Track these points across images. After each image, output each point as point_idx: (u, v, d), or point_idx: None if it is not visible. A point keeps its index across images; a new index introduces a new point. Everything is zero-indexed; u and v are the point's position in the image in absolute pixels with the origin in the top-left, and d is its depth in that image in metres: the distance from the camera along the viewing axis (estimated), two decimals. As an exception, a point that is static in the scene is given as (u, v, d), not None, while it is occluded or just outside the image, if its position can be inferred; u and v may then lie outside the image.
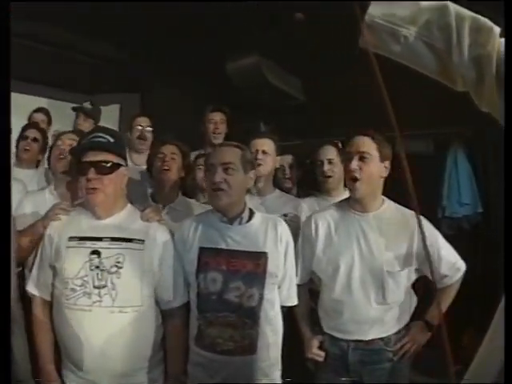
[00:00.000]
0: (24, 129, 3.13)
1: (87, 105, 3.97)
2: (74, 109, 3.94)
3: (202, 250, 1.96)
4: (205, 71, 4.04)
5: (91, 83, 4.49)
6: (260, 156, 2.57)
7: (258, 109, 4.73)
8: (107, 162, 1.84)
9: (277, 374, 2.03)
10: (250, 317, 1.93)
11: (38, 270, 1.94)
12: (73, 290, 1.80)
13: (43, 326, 1.91)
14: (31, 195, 2.40)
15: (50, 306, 1.92)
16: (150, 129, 3.42)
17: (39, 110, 3.73)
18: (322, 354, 2.13)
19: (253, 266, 1.93)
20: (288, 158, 3.17)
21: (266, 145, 2.64)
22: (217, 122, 3.44)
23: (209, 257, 1.94)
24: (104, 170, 1.83)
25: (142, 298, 1.85)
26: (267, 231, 1.99)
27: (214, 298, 1.92)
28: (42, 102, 4.18)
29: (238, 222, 1.99)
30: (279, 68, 4.44)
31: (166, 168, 2.52)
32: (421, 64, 1.08)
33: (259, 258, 1.94)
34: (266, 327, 1.96)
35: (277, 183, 2.91)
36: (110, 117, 4.77)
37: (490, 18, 1.00)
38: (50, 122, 3.73)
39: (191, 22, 3.45)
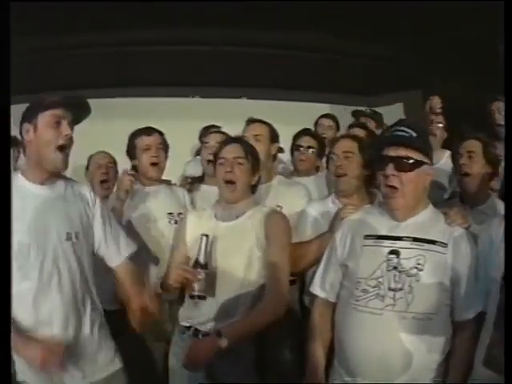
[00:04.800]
0: (296, 137, 3.09)
1: (366, 109, 4.00)
2: (353, 113, 4.00)
3: None
4: (481, 59, 3.55)
5: (372, 84, 4.49)
6: None
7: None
8: (408, 159, 1.70)
9: None
10: None
11: (325, 271, 1.90)
12: (365, 291, 1.72)
13: (320, 328, 1.88)
14: (315, 203, 2.37)
15: (332, 308, 1.87)
16: (441, 125, 3.29)
17: (326, 115, 3.73)
18: None
19: None
20: None
21: None
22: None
23: None
24: (404, 166, 1.69)
25: (438, 305, 1.70)
26: None
27: None
28: (324, 108, 4.31)
29: None
30: None
31: (466, 171, 2.30)
32: None
33: None
34: None
35: None
36: (394, 116, 4.71)
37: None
38: (338, 128, 3.69)
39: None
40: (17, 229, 1.58)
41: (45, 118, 1.65)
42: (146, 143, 2.40)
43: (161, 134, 2.47)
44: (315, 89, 4.42)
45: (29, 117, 1.68)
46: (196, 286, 1.75)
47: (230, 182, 1.93)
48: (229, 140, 2.08)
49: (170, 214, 2.38)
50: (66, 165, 1.70)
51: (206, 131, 3.19)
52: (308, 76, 4.24)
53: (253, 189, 2.02)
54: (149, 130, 2.44)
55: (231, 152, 1.97)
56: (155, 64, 4.37)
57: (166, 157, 2.49)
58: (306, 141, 3.02)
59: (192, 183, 2.77)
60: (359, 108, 4.14)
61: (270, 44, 4.13)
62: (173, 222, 2.38)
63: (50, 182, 1.72)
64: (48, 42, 4.04)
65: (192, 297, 1.79)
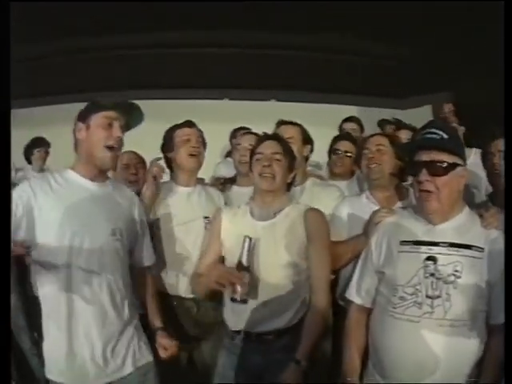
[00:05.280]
0: (334, 141, 3.04)
1: (392, 118, 4.00)
2: (378, 123, 3.97)
3: None
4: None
5: (400, 87, 4.49)
6: None
7: None
8: (442, 163, 1.64)
9: None
10: None
11: (360, 277, 1.88)
12: (402, 298, 1.69)
13: (355, 334, 1.87)
14: (348, 200, 2.37)
15: (367, 313, 1.86)
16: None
17: (349, 119, 3.69)
18: None
19: None
20: None
21: None
22: None
23: None
24: (438, 171, 1.64)
25: (474, 312, 1.67)
26: None
27: None
28: (352, 110, 4.26)
29: None
30: None
31: (496, 171, 2.26)
32: None
33: None
34: None
35: None
36: (423, 118, 4.67)
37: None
38: (362, 130, 3.66)
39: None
40: (66, 219, 1.65)
41: (98, 119, 1.72)
42: (187, 133, 2.33)
43: (199, 130, 2.42)
44: (344, 91, 4.42)
45: (83, 116, 1.74)
46: (239, 289, 1.71)
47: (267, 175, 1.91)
48: (266, 136, 2.06)
49: (206, 217, 2.24)
50: (114, 164, 1.77)
51: (237, 133, 3.19)
52: (337, 78, 4.25)
53: (288, 187, 2.01)
54: (189, 123, 2.39)
55: (269, 147, 1.95)
56: (185, 66, 4.43)
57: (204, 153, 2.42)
58: (343, 145, 2.99)
59: (224, 184, 2.75)
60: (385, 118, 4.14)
61: (300, 47, 4.14)
62: (209, 226, 2.23)
63: (99, 180, 1.78)
64: (78, 43, 4.15)
65: (233, 300, 1.73)
